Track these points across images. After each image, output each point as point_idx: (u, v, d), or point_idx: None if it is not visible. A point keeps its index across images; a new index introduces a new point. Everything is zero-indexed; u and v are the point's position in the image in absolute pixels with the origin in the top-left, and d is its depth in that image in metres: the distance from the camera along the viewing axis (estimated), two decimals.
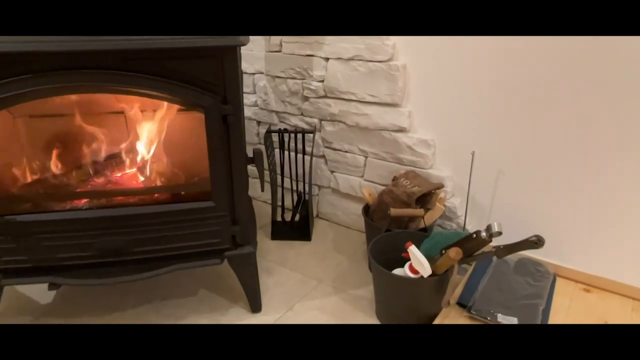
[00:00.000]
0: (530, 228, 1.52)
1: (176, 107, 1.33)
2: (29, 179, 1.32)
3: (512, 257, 1.55)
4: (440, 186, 1.56)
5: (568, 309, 1.37)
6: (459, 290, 1.44)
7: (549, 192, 1.46)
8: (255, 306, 1.45)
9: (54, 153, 1.36)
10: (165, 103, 1.33)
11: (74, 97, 1.33)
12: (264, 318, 1.43)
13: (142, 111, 1.36)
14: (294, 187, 1.98)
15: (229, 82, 1.18)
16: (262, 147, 2.02)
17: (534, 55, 1.36)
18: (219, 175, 1.25)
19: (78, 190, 1.35)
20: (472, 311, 1.32)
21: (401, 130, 1.66)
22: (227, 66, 1.15)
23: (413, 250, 1.24)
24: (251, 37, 1.90)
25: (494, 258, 1.55)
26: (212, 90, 1.17)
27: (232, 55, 1.15)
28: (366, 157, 1.79)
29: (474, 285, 1.45)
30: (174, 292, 1.54)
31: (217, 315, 1.44)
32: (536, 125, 1.42)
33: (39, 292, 1.53)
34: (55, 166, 1.34)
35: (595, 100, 1.31)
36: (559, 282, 1.50)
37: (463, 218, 1.62)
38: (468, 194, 1.58)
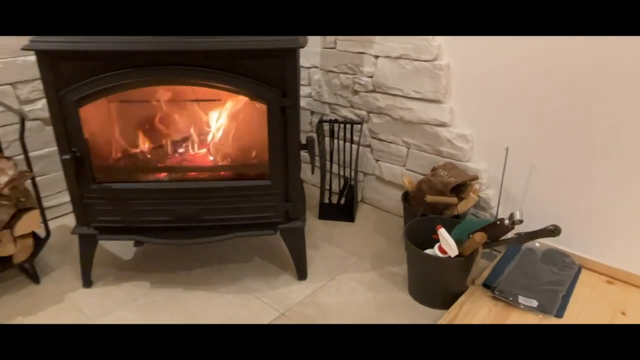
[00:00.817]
0: (560, 221, 1.62)
1: (242, 98, 1.54)
2: (122, 154, 1.59)
3: (541, 247, 1.67)
4: (475, 178, 1.69)
5: (588, 298, 1.47)
6: (486, 273, 1.57)
7: (579, 187, 1.56)
8: (301, 274, 1.66)
9: (141, 133, 1.61)
10: (234, 95, 1.54)
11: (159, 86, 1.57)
12: (309, 285, 1.64)
13: (214, 100, 1.59)
14: (341, 173, 2.16)
15: (289, 78, 1.37)
16: (314, 135, 2.21)
17: (568, 56, 1.46)
18: (276, 158, 1.46)
19: (160, 165, 1.60)
20: (495, 292, 1.46)
21: (442, 124, 1.79)
22: (288, 65, 1.35)
23: (442, 232, 1.40)
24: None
25: (523, 247, 1.67)
26: (274, 85, 1.37)
27: (292, 56, 1.34)
28: (409, 148, 1.94)
29: (500, 270, 1.58)
30: (233, 258, 1.78)
31: (269, 279, 1.66)
32: (568, 123, 1.52)
33: (122, 250, 1.81)
34: (142, 144, 1.60)
35: (627, 98, 1.39)
36: (584, 273, 1.60)
37: (496, 209, 1.75)
38: (501, 187, 1.70)
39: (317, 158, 2.12)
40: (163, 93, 1.59)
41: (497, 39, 1.58)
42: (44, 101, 1.86)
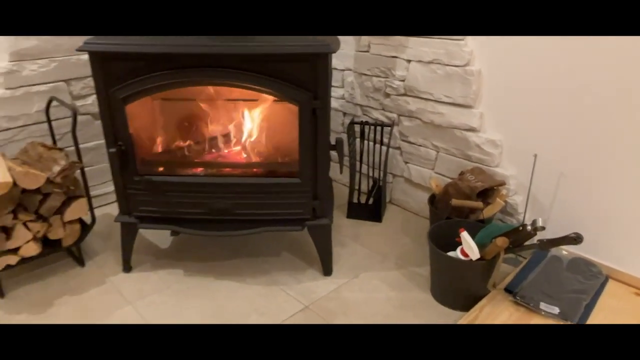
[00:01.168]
0: (588, 229, 1.61)
1: (275, 99, 1.61)
2: (162, 149, 1.69)
3: (567, 256, 1.66)
4: (502, 183, 1.70)
5: (613, 308, 1.46)
6: (509, 278, 1.59)
7: (608, 196, 1.55)
8: (327, 270, 1.72)
9: (180, 130, 1.72)
10: (268, 96, 1.62)
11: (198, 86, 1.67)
12: (333, 280, 1.70)
13: (249, 100, 1.67)
14: (370, 174, 2.20)
15: (320, 81, 1.43)
16: (345, 136, 2.26)
17: (601, 64, 1.45)
18: (305, 157, 1.52)
19: (197, 160, 1.70)
20: (517, 297, 1.47)
21: (472, 129, 1.81)
22: (319, 69, 1.41)
23: (465, 235, 1.42)
24: (343, 38, 2.14)
25: (549, 254, 1.67)
26: (306, 88, 1.43)
27: (324, 60, 1.40)
28: (438, 152, 1.97)
29: (524, 276, 1.58)
30: (263, 251, 1.86)
31: (296, 273, 1.73)
32: (599, 131, 1.51)
33: (159, 239, 1.93)
34: (181, 140, 1.70)
35: None
36: (612, 284, 1.58)
37: (523, 215, 1.75)
38: (529, 193, 1.71)
39: (345, 158, 2.18)
40: (202, 92, 1.68)
41: (529, 46, 1.59)
42: (94, 97, 1.99)
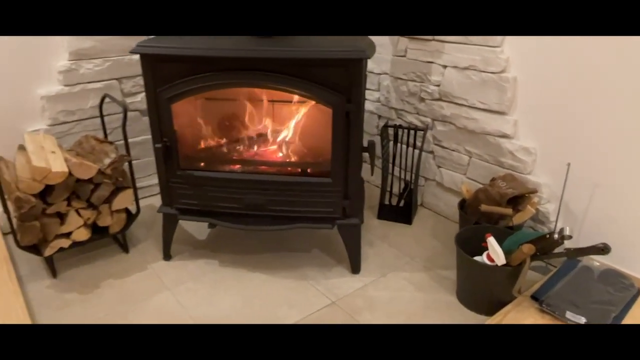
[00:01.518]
0: (622, 241, 1.59)
1: (311, 102, 1.68)
2: (204, 146, 1.79)
3: (599, 267, 1.64)
4: (533, 191, 1.70)
5: None
6: (536, 286, 1.59)
7: None
8: (355, 268, 1.77)
9: (221, 128, 1.81)
10: (304, 98, 1.68)
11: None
12: (361, 279, 1.75)
13: (287, 102, 1.75)
14: (403, 176, 2.24)
15: (354, 86, 1.48)
16: (378, 139, 2.31)
17: (636, 76, 1.44)
18: (338, 159, 1.58)
19: (235, 157, 1.79)
20: (543, 305, 1.47)
21: (505, 136, 1.82)
22: (353, 74, 1.46)
23: (491, 241, 1.44)
24: (380, 42, 2.18)
25: (579, 264, 1.65)
26: (340, 92, 1.49)
27: (358, 66, 1.45)
28: (470, 157, 1.98)
29: (552, 284, 1.58)
30: (294, 247, 1.93)
31: (325, 270, 1.79)
32: (635, 142, 1.49)
33: (197, 230, 2.03)
34: (221, 138, 1.80)
35: None
36: None
37: (554, 223, 1.74)
38: (560, 202, 1.70)
39: (377, 160, 2.22)
40: (242, 92, 1.77)
41: (566, 54, 1.59)
42: (143, 95, 2.13)
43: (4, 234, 1.86)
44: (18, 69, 1.82)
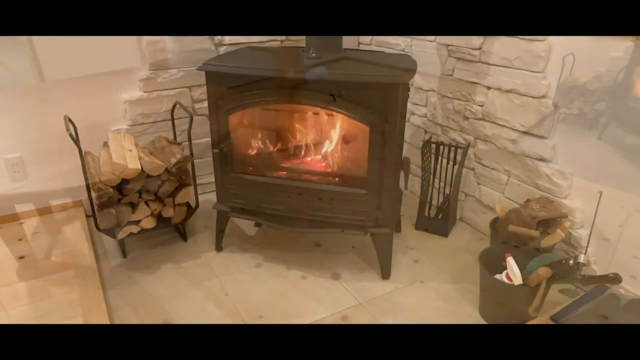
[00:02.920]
0: None
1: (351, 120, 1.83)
2: (254, 153, 2.00)
3: (627, 295, 1.65)
4: (564, 215, 1.74)
5: None
6: (558, 308, 1.63)
7: None
8: (385, 274, 1.90)
9: (271, 137, 2.01)
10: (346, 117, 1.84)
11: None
12: (390, 284, 1.87)
13: (328, 116, 1.91)
14: (444, 190, 2.32)
15: (391, 107, 1.61)
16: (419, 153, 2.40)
17: None
18: (373, 172, 1.72)
19: (282, 165, 1.98)
20: None
21: (543, 159, 1.86)
22: (391, 97, 1.59)
23: (510, 261, 1.52)
24: (430, 60, 2.28)
25: (606, 291, 1.67)
26: (378, 112, 1.62)
27: (395, 90, 1.58)
28: (509, 177, 2.03)
29: (574, 308, 1.62)
30: (331, 249, 2.09)
31: (357, 273, 1.94)
32: None
33: (246, 227, 2.26)
34: (269, 146, 2.00)
35: None
36: None
37: (585, 249, 1.76)
38: (592, 228, 1.72)
39: (415, 174, 2.31)
40: (293, 106, 1.95)
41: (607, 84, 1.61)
42: None
43: (87, 217, 2.19)
44: (108, 77, 2.13)
